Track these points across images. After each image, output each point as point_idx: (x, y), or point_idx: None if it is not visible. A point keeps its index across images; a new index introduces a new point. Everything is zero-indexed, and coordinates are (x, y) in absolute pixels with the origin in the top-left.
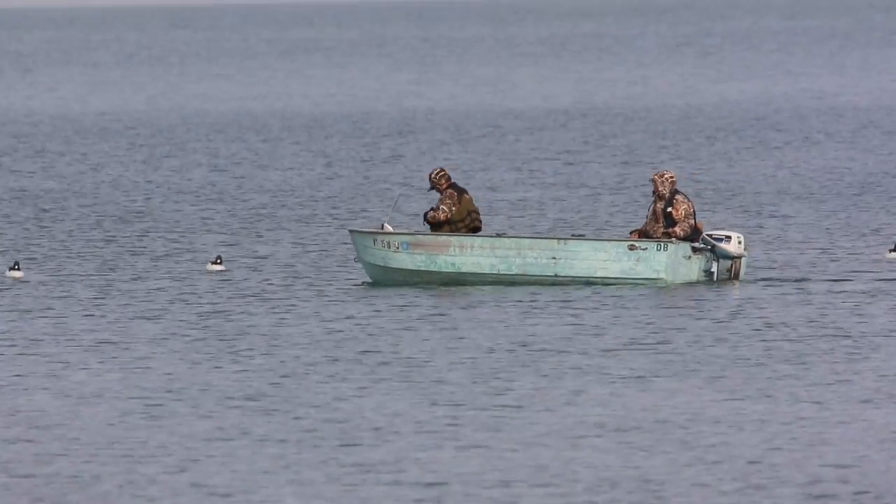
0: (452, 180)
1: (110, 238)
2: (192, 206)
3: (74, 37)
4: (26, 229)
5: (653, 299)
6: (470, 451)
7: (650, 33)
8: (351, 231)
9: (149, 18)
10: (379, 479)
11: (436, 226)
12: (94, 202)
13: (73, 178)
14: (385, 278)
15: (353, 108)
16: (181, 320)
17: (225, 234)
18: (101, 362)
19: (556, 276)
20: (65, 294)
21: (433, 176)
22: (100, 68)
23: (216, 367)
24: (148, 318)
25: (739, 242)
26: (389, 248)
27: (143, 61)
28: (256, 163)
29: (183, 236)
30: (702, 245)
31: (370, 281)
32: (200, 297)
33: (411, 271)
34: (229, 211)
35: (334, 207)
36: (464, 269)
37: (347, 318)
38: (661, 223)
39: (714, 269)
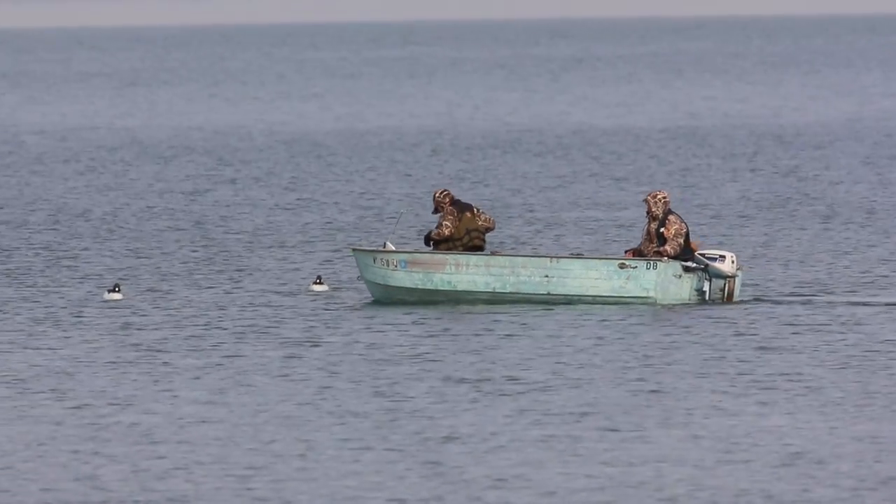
0: (456, 198)
1: (209, 258)
2: (294, 226)
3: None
4: (128, 251)
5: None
6: (577, 467)
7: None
8: (354, 249)
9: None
10: (489, 497)
11: (438, 244)
12: (190, 221)
13: (170, 198)
14: (385, 296)
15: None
16: (284, 341)
17: (326, 251)
18: (203, 381)
19: (548, 294)
20: (166, 315)
21: (437, 196)
22: (220, 86)
23: (325, 387)
24: (252, 340)
25: (732, 262)
26: (388, 266)
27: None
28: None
29: (285, 256)
30: (694, 264)
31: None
32: (304, 316)
33: (409, 289)
34: (326, 227)
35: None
36: (460, 288)
37: (443, 333)
38: (655, 243)
39: (707, 288)
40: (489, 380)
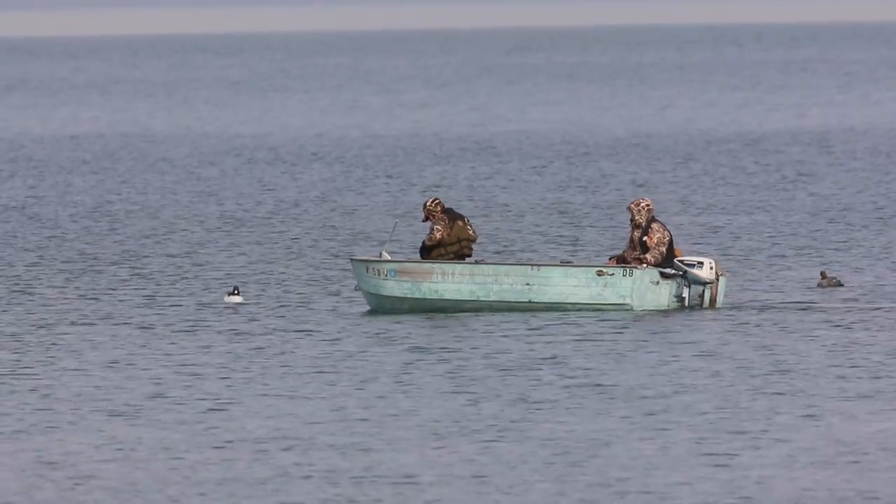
0: (447, 207)
1: (325, 261)
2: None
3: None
4: (241, 254)
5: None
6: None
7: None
8: (351, 259)
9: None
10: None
11: (429, 251)
12: (318, 224)
13: (291, 202)
14: (379, 306)
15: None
16: (409, 347)
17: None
18: (327, 385)
19: (530, 301)
20: (285, 319)
21: (428, 204)
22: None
23: (453, 392)
24: (375, 345)
25: (711, 268)
26: (379, 275)
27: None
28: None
29: None
30: (672, 271)
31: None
32: (422, 322)
33: (399, 298)
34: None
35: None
36: (446, 296)
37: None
38: (638, 250)
39: (685, 294)
40: (617, 386)
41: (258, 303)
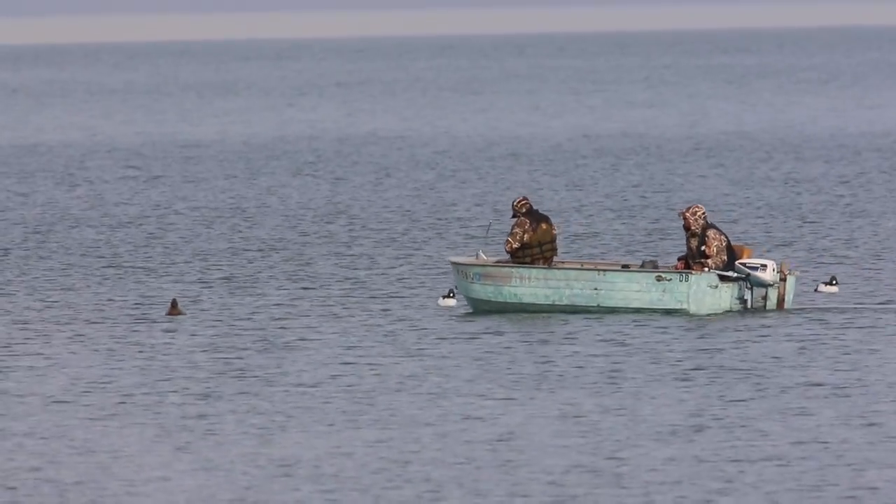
0: (534, 208)
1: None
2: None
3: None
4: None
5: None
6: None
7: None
8: (450, 261)
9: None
10: None
11: (514, 254)
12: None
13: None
14: (472, 308)
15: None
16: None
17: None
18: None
19: (598, 306)
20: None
21: (515, 204)
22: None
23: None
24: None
25: (774, 270)
26: (467, 278)
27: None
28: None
29: None
30: (734, 274)
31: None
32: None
33: (484, 301)
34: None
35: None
36: (524, 300)
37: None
38: (697, 259)
39: (748, 297)
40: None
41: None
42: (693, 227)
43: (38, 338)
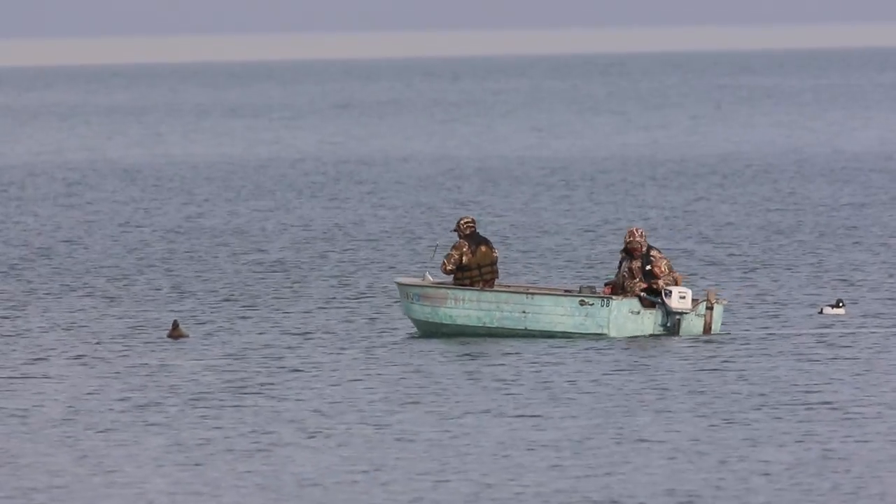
0: (476, 230)
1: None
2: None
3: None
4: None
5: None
6: None
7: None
8: (396, 283)
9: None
10: None
11: (455, 276)
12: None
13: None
14: (417, 329)
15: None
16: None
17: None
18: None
19: (525, 329)
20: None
21: (461, 223)
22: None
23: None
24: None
25: (682, 297)
26: (408, 298)
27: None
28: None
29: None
30: (656, 299)
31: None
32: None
33: (422, 322)
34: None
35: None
36: (458, 321)
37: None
38: (638, 278)
39: (671, 323)
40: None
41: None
42: (640, 248)
43: (40, 359)
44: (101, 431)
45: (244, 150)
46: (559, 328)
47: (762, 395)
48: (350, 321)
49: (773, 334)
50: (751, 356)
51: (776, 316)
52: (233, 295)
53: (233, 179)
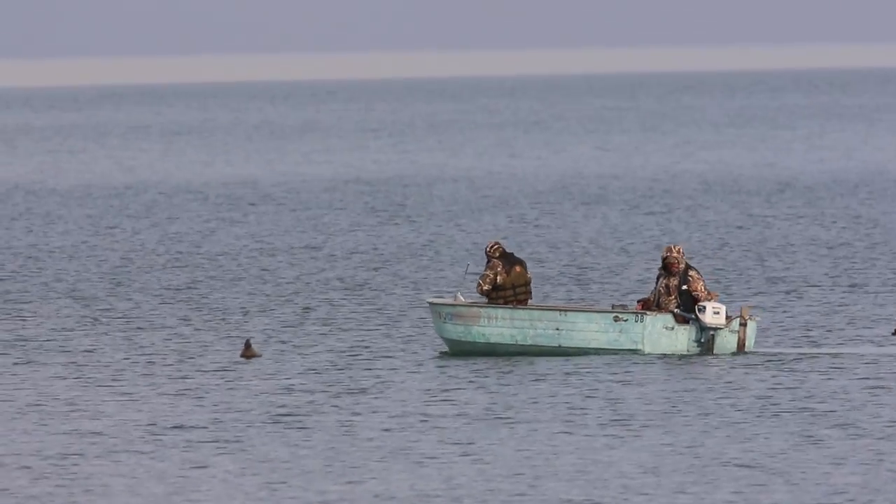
0: (507, 251)
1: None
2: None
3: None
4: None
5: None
6: None
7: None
8: (428, 302)
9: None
10: None
11: (488, 296)
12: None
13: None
14: (448, 348)
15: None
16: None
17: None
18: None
19: (559, 346)
20: None
21: (487, 249)
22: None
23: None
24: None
25: (717, 313)
26: (441, 318)
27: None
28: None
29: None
30: (691, 315)
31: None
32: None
33: (455, 341)
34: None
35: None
36: (492, 340)
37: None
38: (674, 296)
39: (704, 339)
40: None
41: None
42: (678, 266)
43: (116, 380)
44: (179, 451)
45: (318, 168)
46: (593, 345)
47: (833, 411)
48: (415, 340)
49: (843, 354)
50: (829, 378)
51: (852, 340)
52: (305, 313)
53: (306, 199)
